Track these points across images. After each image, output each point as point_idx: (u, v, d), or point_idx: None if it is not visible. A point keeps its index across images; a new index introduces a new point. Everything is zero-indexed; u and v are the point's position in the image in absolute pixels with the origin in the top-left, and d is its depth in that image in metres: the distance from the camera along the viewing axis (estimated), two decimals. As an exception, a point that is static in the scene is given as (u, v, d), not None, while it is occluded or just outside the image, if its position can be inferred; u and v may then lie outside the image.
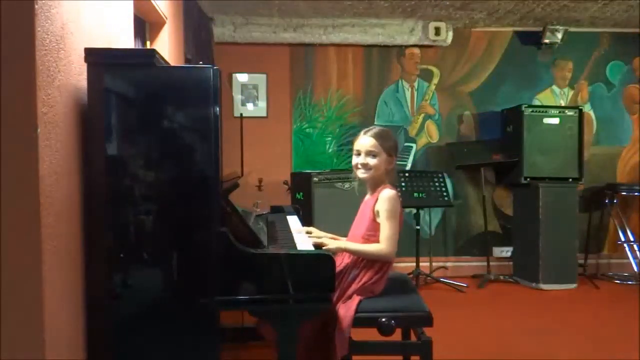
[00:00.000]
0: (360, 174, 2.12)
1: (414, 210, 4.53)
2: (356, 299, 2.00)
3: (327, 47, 4.94)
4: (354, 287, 2.04)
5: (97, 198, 1.68)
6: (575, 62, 5.14)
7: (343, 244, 2.08)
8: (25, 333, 1.40)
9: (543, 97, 5.13)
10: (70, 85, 1.64)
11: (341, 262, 2.09)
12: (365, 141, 2.10)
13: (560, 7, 4.45)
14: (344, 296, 2.03)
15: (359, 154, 2.12)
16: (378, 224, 2.04)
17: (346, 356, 1.96)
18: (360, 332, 1.97)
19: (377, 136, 2.10)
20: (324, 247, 1.99)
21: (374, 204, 2.06)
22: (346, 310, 1.97)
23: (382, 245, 2.00)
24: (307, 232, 2.27)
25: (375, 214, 2.05)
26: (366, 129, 2.16)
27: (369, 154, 2.09)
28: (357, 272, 2.05)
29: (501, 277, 4.80)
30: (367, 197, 2.18)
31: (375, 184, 2.13)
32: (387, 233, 2.00)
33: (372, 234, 2.05)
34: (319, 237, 2.16)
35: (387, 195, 2.03)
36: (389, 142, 2.12)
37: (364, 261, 2.05)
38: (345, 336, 1.94)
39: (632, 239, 4.87)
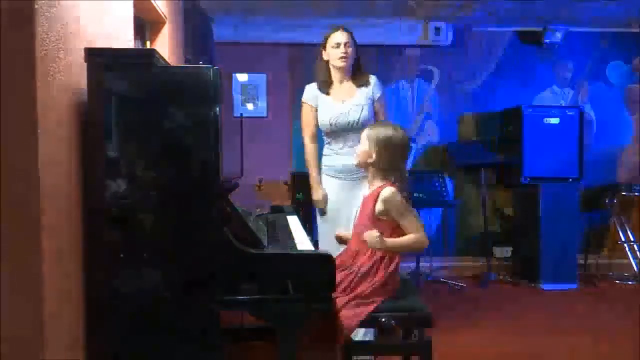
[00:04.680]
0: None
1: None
2: (372, 305, 1.95)
3: (327, 47, 4.94)
4: (366, 287, 1.97)
5: (97, 198, 1.68)
6: (575, 62, 5.14)
7: (387, 242, 1.98)
8: (25, 333, 1.40)
9: (543, 97, 5.13)
10: (70, 85, 1.64)
11: (353, 262, 2.04)
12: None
13: (560, 7, 4.45)
14: (355, 298, 1.96)
15: None
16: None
17: (346, 356, 1.96)
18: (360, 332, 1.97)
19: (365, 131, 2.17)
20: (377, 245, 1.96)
21: (374, 205, 2.03)
22: (356, 314, 1.93)
23: (419, 234, 2.00)
24: (338, 238, 2.24)
25: (378, 215, 2.02)
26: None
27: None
28: (366, 270, 1.98)
29: (501, 277, 4.80)
30: (367, 192, 2.14)
31: (372, 179, 2.11)
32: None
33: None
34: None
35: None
36: (380, 137, 2.11)
37: (373, 260, 1.99)
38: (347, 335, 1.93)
39: (632, 239, 4.87)
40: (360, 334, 2.44)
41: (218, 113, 1.70)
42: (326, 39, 2.84)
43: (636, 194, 4.90)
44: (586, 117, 4.96)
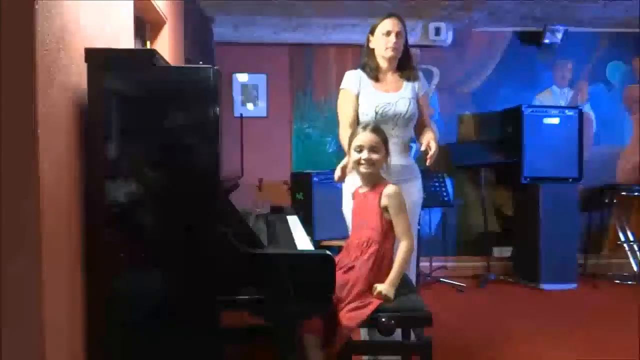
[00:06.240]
0: (364, 169, 2.13)
1: (414, 210, 4.53)
2: (372, 305, 1.97)
3: (327, 47, 4.94)
4: (365, 288, 2.01)
5: (97, 198, 1.68)
6: (575, 62, 5.14)
7: (392, 278, 2.02)
8: (25, 333, 1.40)
9: (543, 97, 5.13)
10: (70, 85, 1.64)
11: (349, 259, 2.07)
12: (367, 137, 2.13)
13: (560, 7, 4.45)
14: (355, 299, 1.98)
15: (361, 150, 2.12)
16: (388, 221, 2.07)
17: (346, 356, 1.96)
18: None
19: (376, 131, 2.16)
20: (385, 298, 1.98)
21: (379, 200, 2.08)
22: (356, 314, 1.94)
23: (404, 241, 2.05)
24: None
25: (382, 210, 2.07)
26: (363, 125, 2.20)
27: (372, 149, 2.11)
28: (361, 269, 2.02)
29: (501, 277, 4.81)
30: (365, 190, 2.18)
31: (375, 179, 2.15)
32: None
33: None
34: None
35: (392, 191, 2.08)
36: (384, 136, 2.18)
37: (364, 258, 2.03)
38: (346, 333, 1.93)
39: (632, 239, 4.87)
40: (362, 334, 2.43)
41: (218, 113, 1.70)
42: (376, 25, 2.60)
43: (636, 194, 4.90)
44: (586, 117, 4.96)
